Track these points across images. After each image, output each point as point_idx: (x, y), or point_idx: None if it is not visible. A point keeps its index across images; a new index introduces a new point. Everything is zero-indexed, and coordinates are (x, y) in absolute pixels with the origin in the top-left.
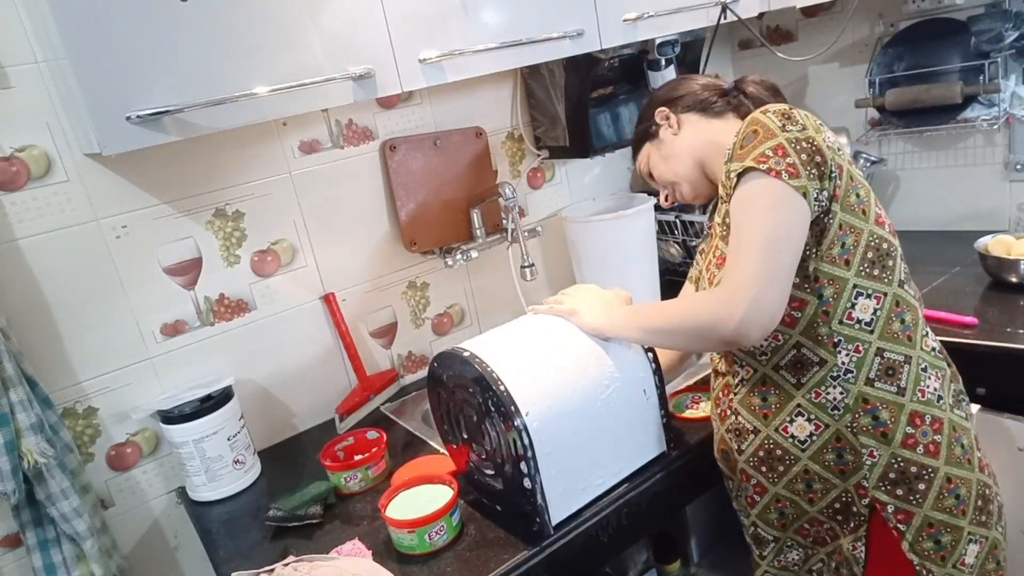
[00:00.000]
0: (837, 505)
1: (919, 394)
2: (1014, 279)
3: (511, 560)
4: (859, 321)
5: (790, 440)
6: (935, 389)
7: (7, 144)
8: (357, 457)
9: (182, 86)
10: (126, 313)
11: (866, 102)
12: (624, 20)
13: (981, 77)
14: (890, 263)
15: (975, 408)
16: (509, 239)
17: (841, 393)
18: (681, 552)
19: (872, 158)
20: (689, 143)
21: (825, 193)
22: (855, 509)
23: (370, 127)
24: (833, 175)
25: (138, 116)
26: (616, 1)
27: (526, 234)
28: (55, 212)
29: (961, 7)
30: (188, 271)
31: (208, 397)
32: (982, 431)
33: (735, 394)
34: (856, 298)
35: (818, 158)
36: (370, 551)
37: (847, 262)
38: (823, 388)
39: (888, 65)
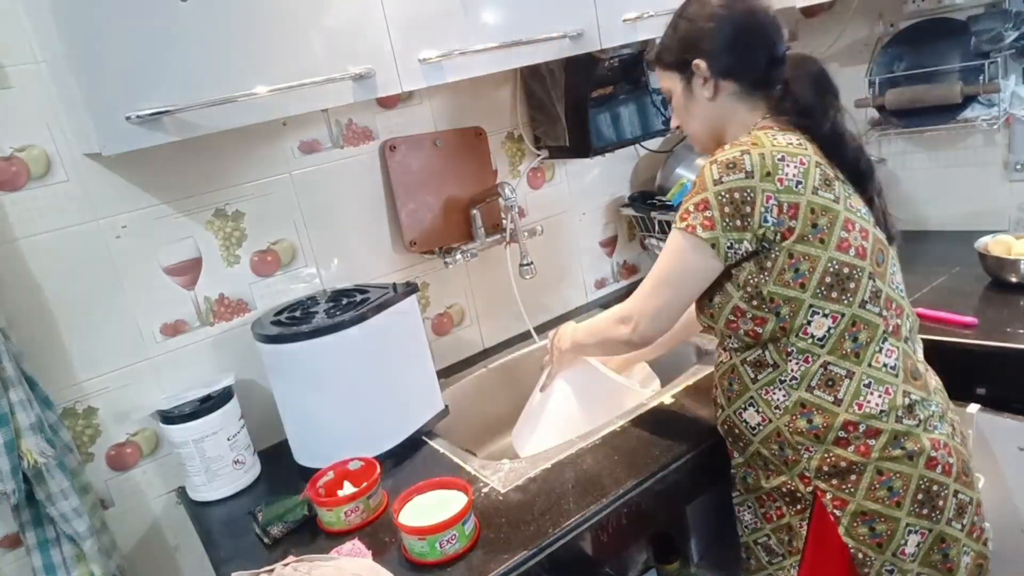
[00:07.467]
0: (784, 489)
1: (856, 407)
2: (1014, 279)
3: (511, 560)
4: (813, 336)
5: (744, 424)
6: (876, 404)
7: (7, 144)
8: (352, 490)
9: (182, 86)
10: (126, 313)
11: (866, 102)
12: (624, 20)
13: (981, 77)
14: (851, 285)
15: (975, 408)
16: (508, 239)
17: (783, 396)
18: (681, 552)
19: (872, 158)
20: (714, 112)
21: (745, 242)
22: (799, 494)
23: (370, 127)
24: (768, 222)
25: (138, 116)
26: (616, 1)
27: (526, 234)
28: (55, 212)
29: (961, 7)
30: (188, 271)
31: (208, 397)
32: (982, 431)
33: (717, 371)
34: (812, 316)
35: (747, 208)
36: (370, 551)
37: (802, 285)
38: (771, 388)
39: (888, 65)
